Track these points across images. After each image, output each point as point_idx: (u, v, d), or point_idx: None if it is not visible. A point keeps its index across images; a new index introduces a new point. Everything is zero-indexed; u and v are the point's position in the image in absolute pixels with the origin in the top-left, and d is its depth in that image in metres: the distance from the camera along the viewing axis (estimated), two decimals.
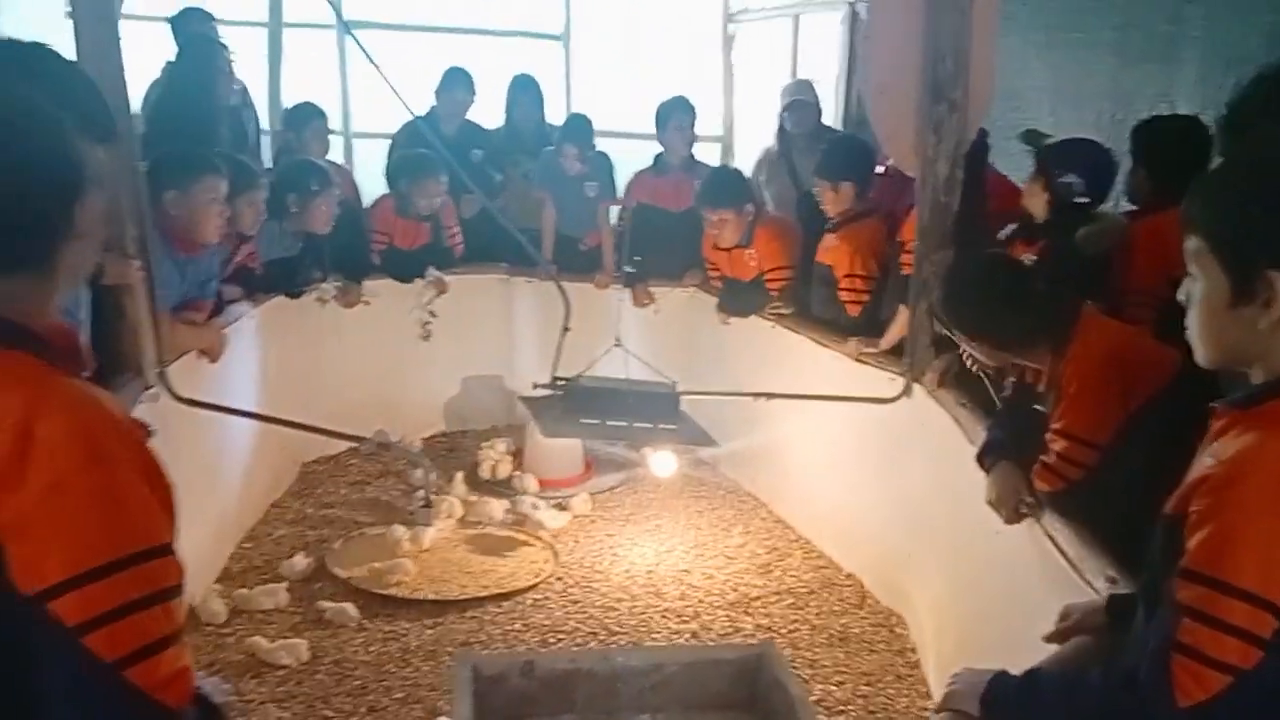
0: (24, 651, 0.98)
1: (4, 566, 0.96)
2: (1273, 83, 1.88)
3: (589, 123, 4.80)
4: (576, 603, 3.41)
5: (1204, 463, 1.20)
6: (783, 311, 4.16)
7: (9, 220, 1.03)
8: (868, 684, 2.99)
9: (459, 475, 4.24)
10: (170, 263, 3.21)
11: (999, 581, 2.71)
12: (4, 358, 1.03)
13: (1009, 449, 2.50)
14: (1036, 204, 3.06)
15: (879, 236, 3.75)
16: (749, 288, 4.31)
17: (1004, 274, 2.49)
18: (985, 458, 2.54)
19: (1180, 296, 1.24)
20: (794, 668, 3.06)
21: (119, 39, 2.82)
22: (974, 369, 2.89)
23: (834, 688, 2.97)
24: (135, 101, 4.36)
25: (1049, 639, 1.70)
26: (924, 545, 3.25)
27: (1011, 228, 3.20)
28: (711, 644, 3.00)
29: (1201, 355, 1.22)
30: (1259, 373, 1.18)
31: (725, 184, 4.28)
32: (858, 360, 3.62)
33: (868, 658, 3.15)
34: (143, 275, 2.85)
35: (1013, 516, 2.39)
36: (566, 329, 3.24)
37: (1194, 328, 1.21)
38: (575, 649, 2.68)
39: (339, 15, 3.38)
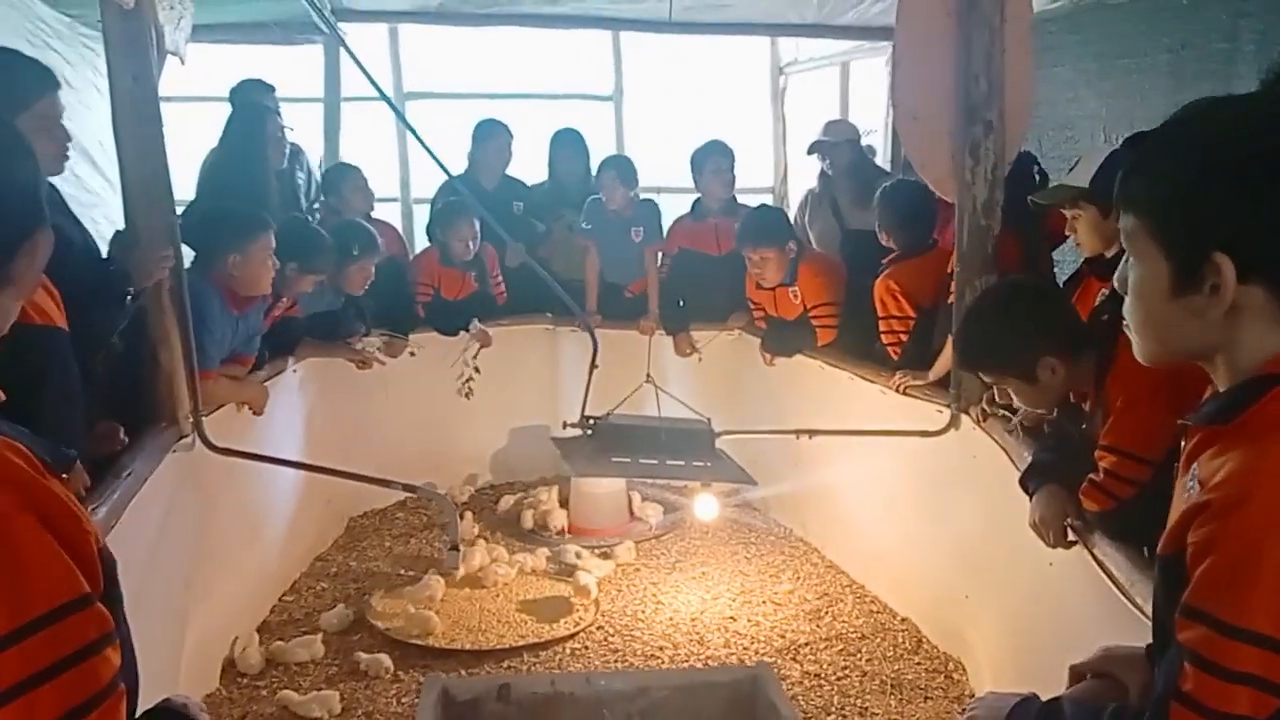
0: None
1: None
2: None
3: (631, 162, 4.83)
4: (616, 651, 3.30)
5: (1188, 490, 1.03)
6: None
7: None
8: None
9: (501, 526, 4.18)
10: (226, 320, 3.27)
11: (1054, 617, 2.53)
12: None
13: (1054, 471, 2.34)
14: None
15: (928, 273, 3.60)
16: (793, 326, 4.21)
17: (1026, 295, 2.33)
18: (1029, 481, 2.38)
19: (1115, 282, 1.12)
20: (844, 716, 2.91)
21: (158, 107, 2.90)
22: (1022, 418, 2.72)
23: None
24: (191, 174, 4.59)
25: None
26: (980, 584, 3.07)
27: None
28: (702, 668, 2.84)
29: (1143, 349, 1.08)
30: (1221, 368, 1.04)
31: (766, 222, 4.22)
32: (904, 394, 3.48)
33: (922, 705, 2.96)
34: (171, 284, 2.86)
35: (1059, 540, 2.23)
36: (595, 366, 3.19)
37: (1132, 318, 1.08)
38: (554, 672, 2.56)
39: (375, 84, 3.43)
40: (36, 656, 0.88)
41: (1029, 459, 2.57)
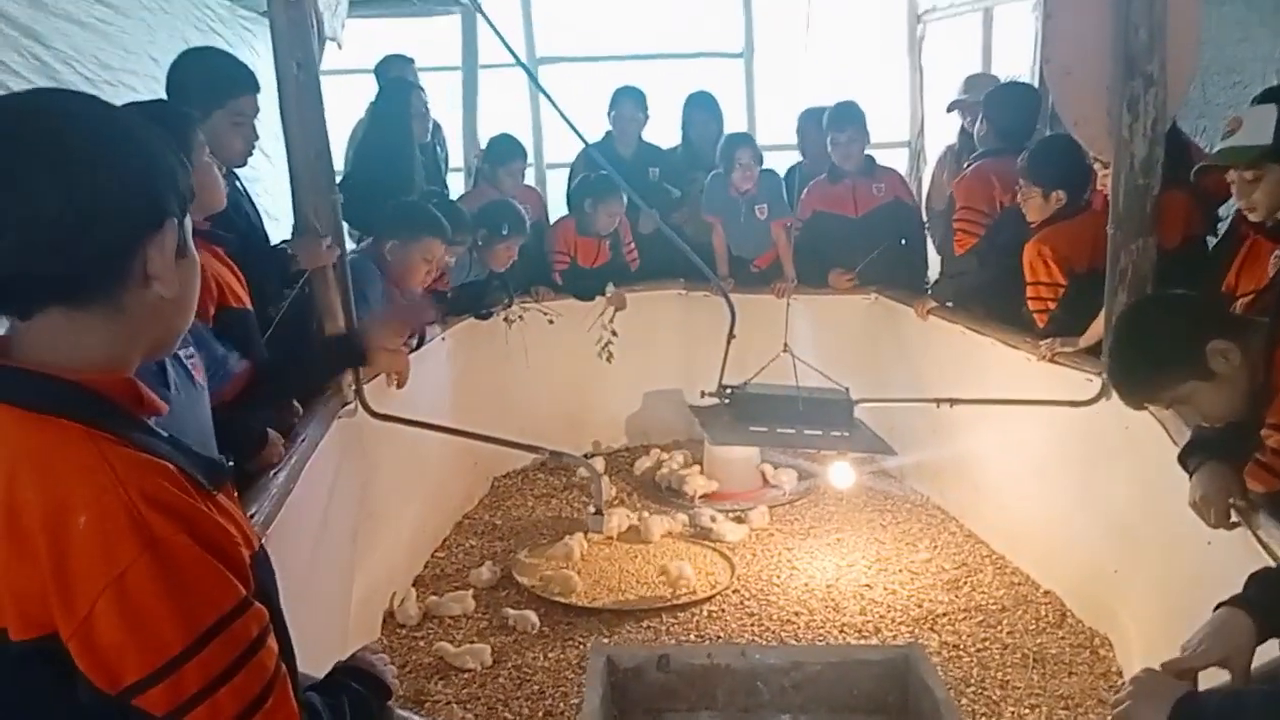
0: None
1: (73, 669, 0.92)
2: None
3: (751, 139, 4.80)
4: (753, 615, 3.36)
5: None
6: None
7: (65, 242, 0.93)
8: (1065, 708, 2.76)
9: (638, 488, 4.29)
10: (385, 294, 3.46)
11: (1213, 598, 2.42)
12: (38, 431, 0.95)
13: (1217, 448, 2.24)
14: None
15: (1082, 236, 3.42)
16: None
17: (1163, 297, 2.20)
18: (1190, 458, 2.28)
19: (1240, 202, 1.12)
20: (983, 689, 2.89)
21: (320, 92, 3.04)
22: None
23: (1027, 711, 2.76)
24: (340, 144, 4.80)
25: None
26: (1132, 560, 2.98)
27: None
28: (854, 644, 2.86)
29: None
30: None
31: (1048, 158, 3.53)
32: (1051, 361, 3.37)
33: (1066, 680, 2.91)
34: (335, 262, 3.00)
35: (1220, 520, 2.14)
36: (732, 336, 3.22)
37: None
38: (710, 645, 2.63)
39: (512, 52, 3.51)
40: (213, 663, 0.96)
41: (1188, 434, 2.46)
